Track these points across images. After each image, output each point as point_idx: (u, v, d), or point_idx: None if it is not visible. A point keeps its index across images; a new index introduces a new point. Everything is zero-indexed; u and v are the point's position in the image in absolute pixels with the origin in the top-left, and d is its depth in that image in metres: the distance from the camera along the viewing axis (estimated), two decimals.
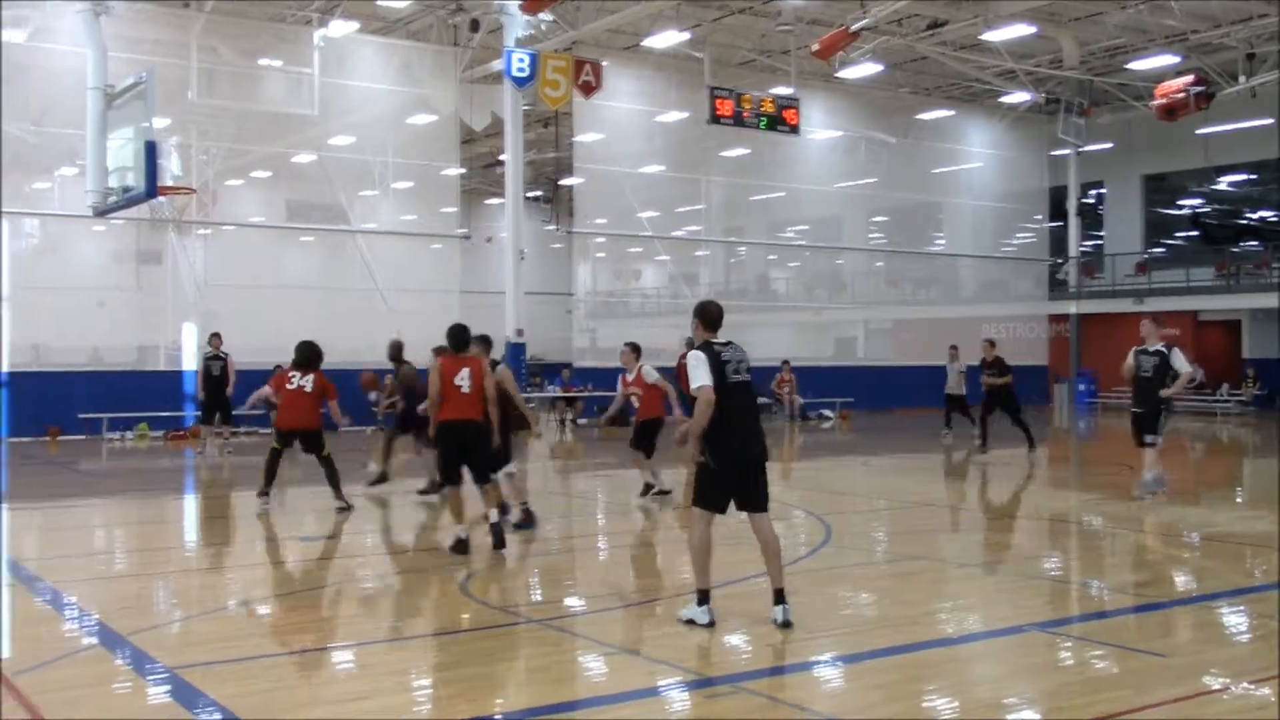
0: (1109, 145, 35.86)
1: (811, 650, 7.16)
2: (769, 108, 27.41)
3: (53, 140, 23.10)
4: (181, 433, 24.39)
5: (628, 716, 6.01)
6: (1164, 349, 13.41)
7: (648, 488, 13.87)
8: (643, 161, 30.84)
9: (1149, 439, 13.53)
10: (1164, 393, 13.27)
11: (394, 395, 15.17)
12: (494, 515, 10.56)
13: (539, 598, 9.31)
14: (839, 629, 7.77)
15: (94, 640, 7.58)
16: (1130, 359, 13.64)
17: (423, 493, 14.03)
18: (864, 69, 29.81)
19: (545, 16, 24.63)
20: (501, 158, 29.11)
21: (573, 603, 9.01)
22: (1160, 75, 29.82)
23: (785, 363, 30.59)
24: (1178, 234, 38.50)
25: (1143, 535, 12.07)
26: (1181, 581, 9.85)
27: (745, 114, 26.97)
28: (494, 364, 11.56)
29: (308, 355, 13.11)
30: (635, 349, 13.95)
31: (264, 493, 13.17)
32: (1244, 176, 36.26)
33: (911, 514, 13.99)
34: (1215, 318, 34.70)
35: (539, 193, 43.87)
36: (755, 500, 7.66)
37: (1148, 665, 6.81)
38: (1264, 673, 6.58)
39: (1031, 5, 26.66)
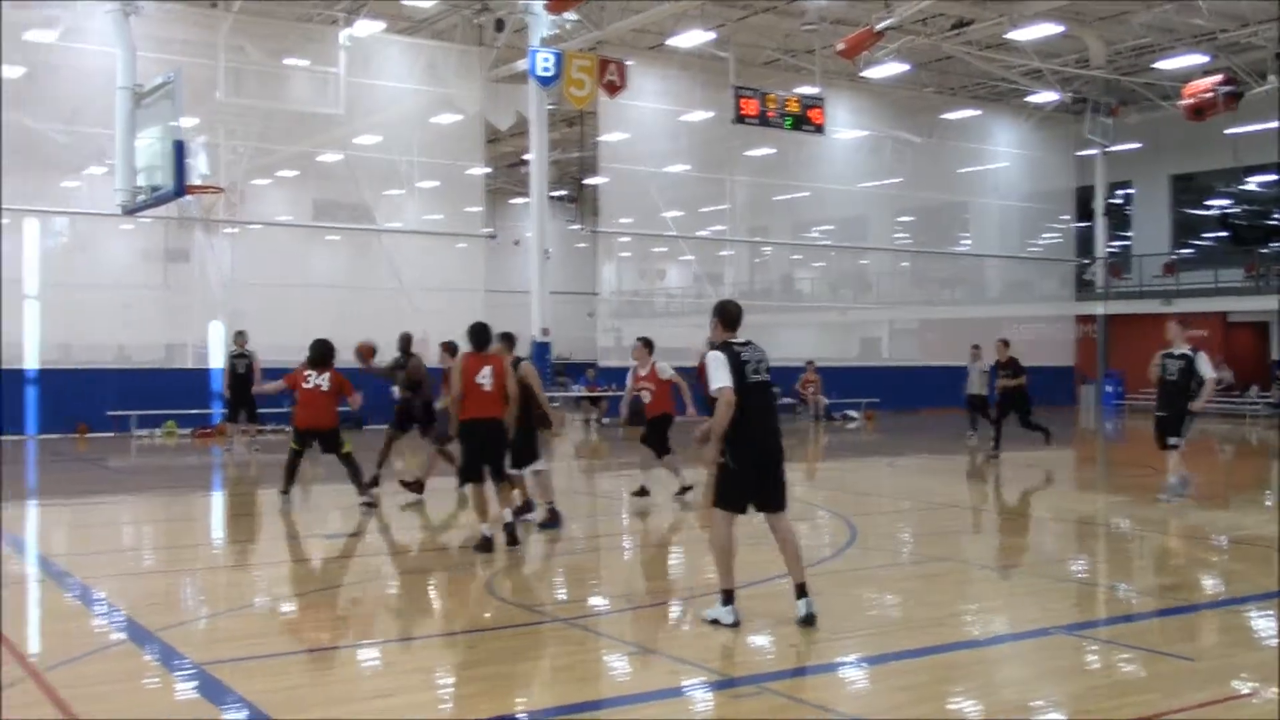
0: (1137, 145, 35.63)
1: (836, 651, 7.15)
2: (794, 107, 27.36)
3: (82, 139, 23.26)
4: (208, 430, 24.54)
5: (652, 716, 6.02)
6: (1190, 353, 13.33)
7: (683, 489, 13.81)
8: (667, 161, 30.83)
9: (1172, 441, 13.45)
10: (1194, 406, 13.21)
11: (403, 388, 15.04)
12: (508, 515, 10.58)
13: (563, 596, 9.32)
14: (864, 630, 7.75)
15: (123, 636, 7.64)
16: (1156, 363, 13.57)
17: (405, 485, 13.98)
18: (889, 68, 29.75)
19: (570, 16, 24.65)
20: (526, 157, 29.18)
21: (597, 602, 9.02)
22: (1188, 75, 29.62)
23: (810, 363, 30.54)
24: (1206, 235, 38.21)
25: (1169, 538, 12.00)
26: (1209, 585, 9.78)
27: (770, 113, 26.94)
28: (516, 361, 11.55)
29: (322, 352, 13.21)
30: (648, 344, 13.94)
31: (285, 492, 13.29)
32: (1273, 177, 35.88)
33: (937, 515, 13.94)
34: (1244, 319, 34.43)
35: (564, 192, 43.89)
36: (774, 500, 7.66)
37: (1176, 669, 6.77)
38: None
39: (1058, 4, 26.53)
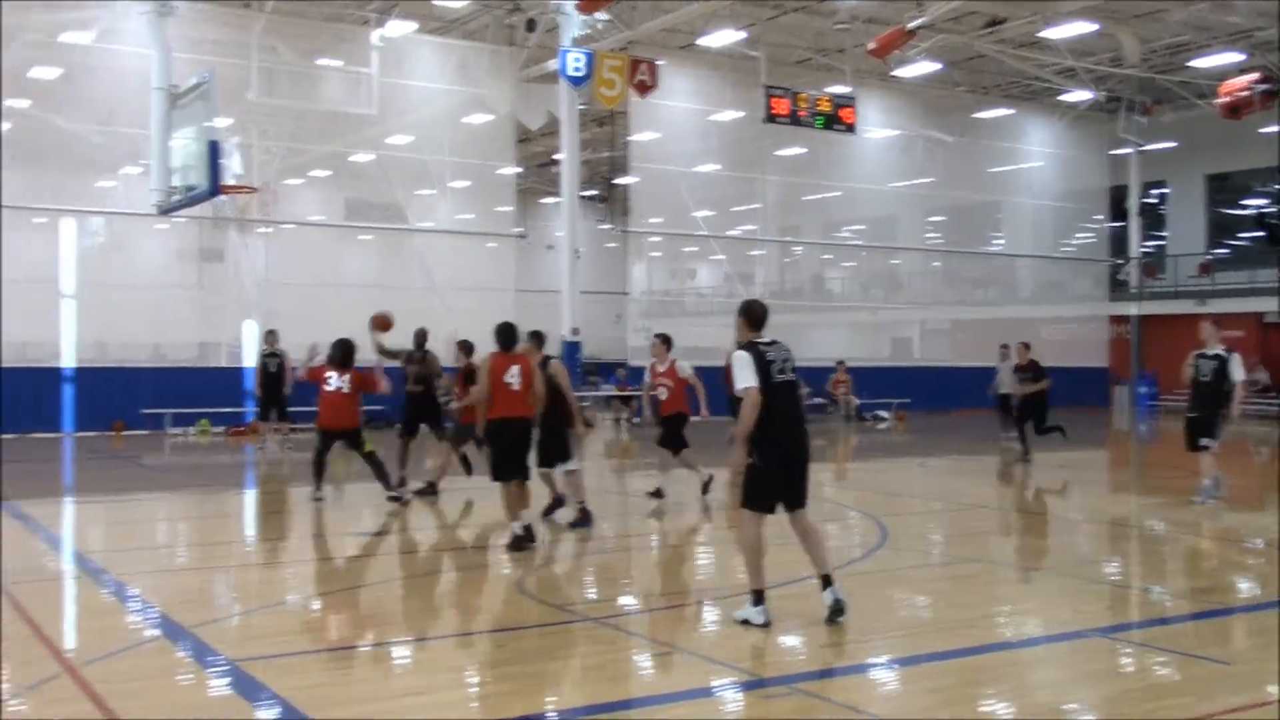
0: (1172, 144, 35.34)
1: (867, 652, 7.14)
2: (825, 106, 27.28)
3: (118, 140, 23.47)
4: (242, 429, 24.71)
5: (682, 716, 6.02)
6: (1223, 353, 13.21)
7: (705, 486, 13.77)
8: (698, 161, 30.81)
9: (1204, 443, 13.34)
10: (1229, 413, 13.09)
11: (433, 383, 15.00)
12: (515, 524, 10.60)
13: (594, 596, 9.34)
14: (895, 631, 7.72)
15: (157, 632, 7.71)
16: (1189, 363, 13.46)
17: (419, 493, 13.94)
18: (921, 67, 29.62)
19: (601, 16, 24.67)
20: (557, 157, 29.24)
21: (627, 601, 9.02)
22: (1224, 73, 29.34)
23: (840, 363, 30.44)
24: (1242, 234, 37.79)
25: (1203, 540, 11.90)
26: (1245, 588, 9.70)
27: (801, 113, 26.87)
28: (545, 360, 11.56)
29: (344, 352, 13.32)
30: (666, 340, 13.80)
31: (317, 490, 13.42)
32: None
33: (968, 516, 13.88)
34: None
35: (594, 192, 43.96)
36: (797, 498, 7.69)
37: (1210, 673, 6.72)
38: None
39: (1092, 3, 26.32)
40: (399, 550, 11.47)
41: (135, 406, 24.28)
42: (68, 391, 24.39)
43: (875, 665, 6.93)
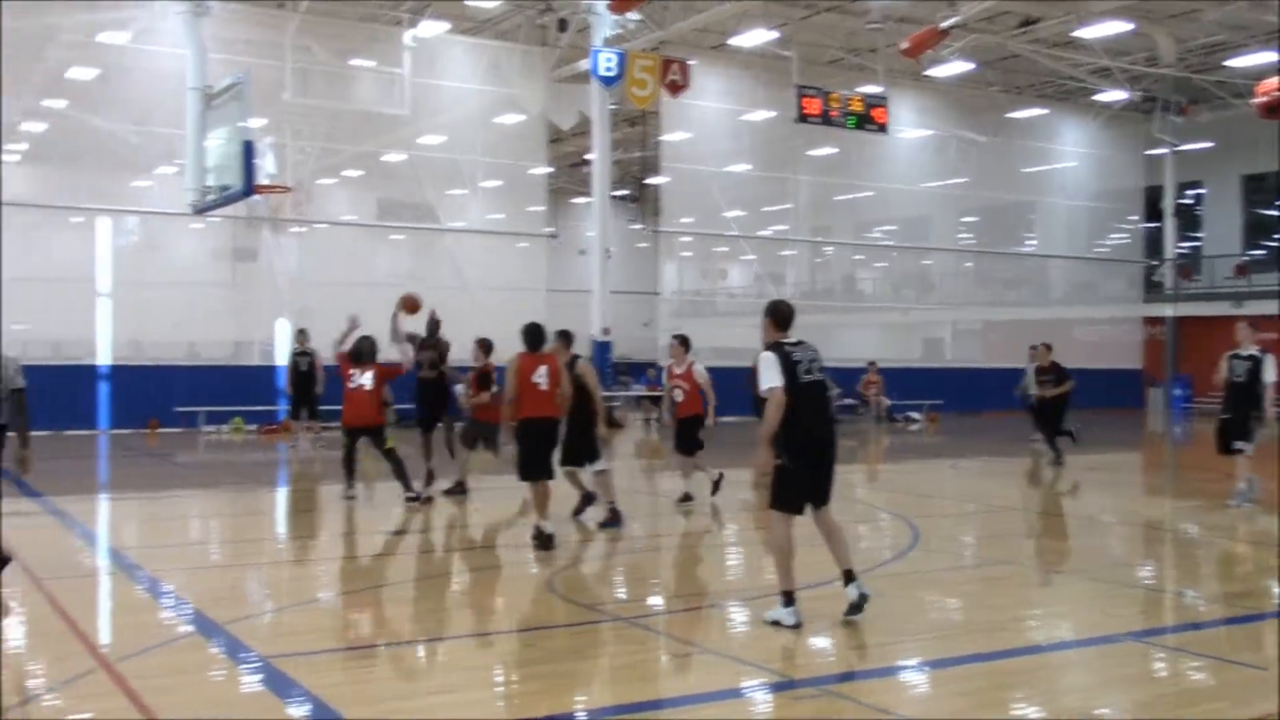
0: (1208, 144, 35.00)
1: (898, 654, 7.11)
2: (857, 106, 27.18)
3: (154, 140, 23.66)
4: (275, 427, 24.86)
5: (712, 717, 6.02)
6: (1258, 354, 13.09)
7: (716, 486, 13.68)
8: (729, 161, 30.78)
9: (1238, 445, 13.21)
10: (1266, 414, 12.96)
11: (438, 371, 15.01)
12: (543, 523, 10.60)
13: (624, 596, 9.35)
14: (926, 633, 7.69)
15: (191, 628, 7.77)
16: (1223, 364, 13.33)
17: (448, 493, 13.94)
18: (954, 67, 29.47)
19: (633, 16, 24.68)
20: (588, 157, 29.27)
21: (657, 602, 9.03)
22: (1261, 73, 28.91)
23: (872, 364, 30.34)
24: (1278, 235, 37.43)
25: (1238, 544, 11.78)
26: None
27: (833, 113, 26.78)
28: (574, 360, 11.54)
29: (368, 350, 13.41)
30: (684, 342, 13.58)
31: (349, 488, 13.50)
32: None
33: (1000, 518, 13.80)
34: None
35: (625, 192, 43.96)
36: (822, 496, 7.71)
37: (1245, 678, 6.66)
38: None
39: (1127, 2, 26.13)
40: (428, 549, 11.51)
41: (170, 404, 24.48)
42: (103, 389, 24.63)
43: (906, 667, 6.90)
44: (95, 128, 23.64)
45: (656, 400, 28.51)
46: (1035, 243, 37.45)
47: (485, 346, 13.96)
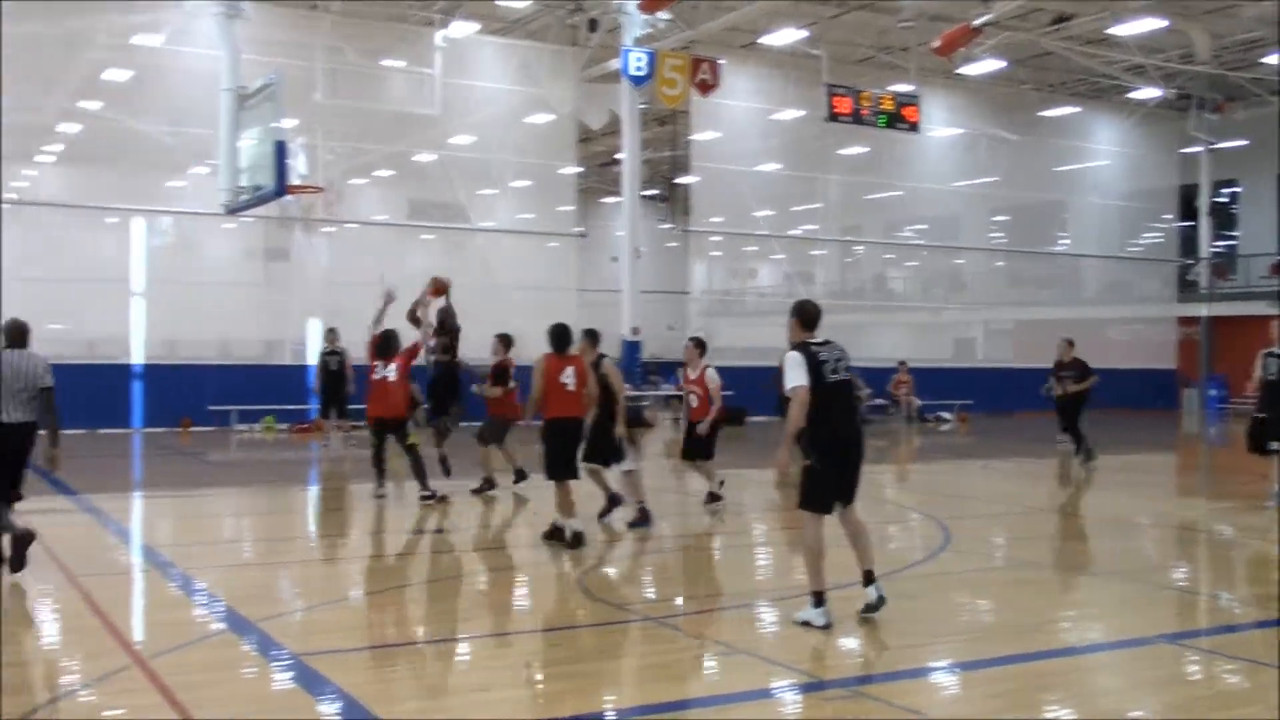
0: (1243, 142, 34.65)
1: (929, 656, 7.08)
2: (888, 105, 27.04)
3: (187, 140, 23.78)
4: (306, 426, 24.99)
5: (742, 717, 6.01)
6: None
7: (712, 495, 13.23)
8: (759, 160, 30.71)
9: (1274, 445, 13.07)
10: None
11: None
12: (570, 523, 10.61)
13: (653, 595, 9.35)
14: (957, 635, 7.66)
15: (223, 626, 7.83)
16: (1259, 363, 13.19)
17: (476, 492, 14.00)
18: (986, 65, 29.29)
19: (663, 15, 24.67)
20: (618, 156, 29.26)
21: (687, 601, 9.02)
22: None
23: (902, 363, 30.21)
24: None
25: (1273, 546, 11.65)
26: None
27: (864, 112, 26.66)
28: (599, 359, 11.50)
29: (389, 343, 13.51)
30: (699, 344, 13.27)
31: (380, 487, 13.56)
32: None
33: (1032, 519, 13.72)
34: None
35: (655, 191, 43.95)
36: (848, 495, 7.72)
37: None
38: None
39: None
40: (458, 548, 11.54)
41: (202, 403, 24.67)
42: (137, 388, 24.83)
43: (937, 669, 6.87)
44: (130, 129, 23.82)
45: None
46: (1068, 242, 37.19)
47: (506, 341, 14.04)
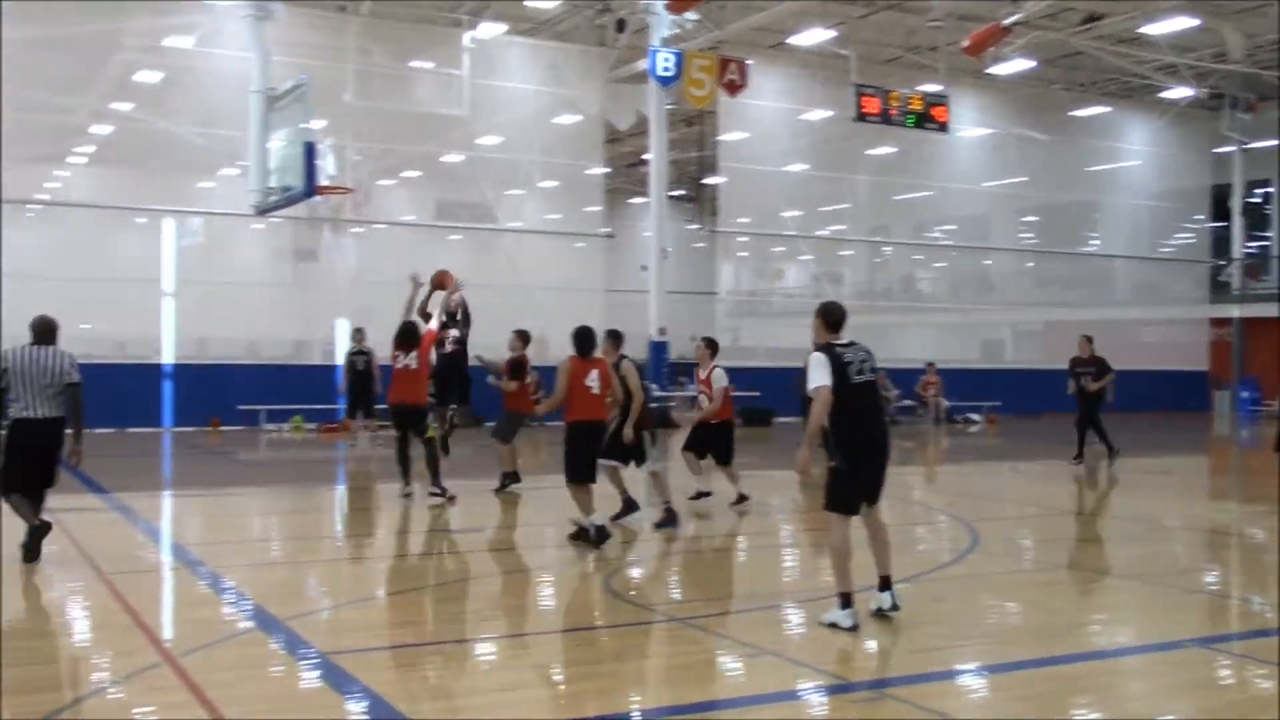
0: (1277, 142, 34.31)
1: (957, 658, 7.04)
2: (917, 105, 26.90)
3: (217, 142, 23.96)
4: (334, 425, 25.09)
5: (768, 718, 5.99)
6: None
7: (698, 495, 13.28)
8: (787, 160, 30.64)
9: None
10: None
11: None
12: (590, 520, 10.60)
13: (679, 596, 9.33)
14: (986, 637, 7.61)
15: (251, 624, 7.86)
16: None
17: (498, 491, 14.03)
18: (1016, 64, 29.14)
19: (691, 16, 24.65)
20: (645, 157, 29.26)
21: (713, 602, 9.00)
22: None
23: (930, 364, 30.08)
24: None
25: None
26: None
27: (892, 112, 26.54)
28: (620, 360, 11.45)
29: (408, 334, 13.62)
30: (711, 345, 13.30)
31: (406, 487, 13.62)
32: None
33: (1061, 521, 13.63)
34: None
35: (682, 192, 43.87)
36: (872, 496, 7.70)
37: None
38: None
39: None
40: (484, 547, 11.55)
41: (231, 403, 24.81)
42: (167, 388, 25.01)
43: (965, 671, 6.83)
44: (160, 130, 24.00)
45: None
46: (1098, 242, 36.92)
47: (524, 338, 14.09)
